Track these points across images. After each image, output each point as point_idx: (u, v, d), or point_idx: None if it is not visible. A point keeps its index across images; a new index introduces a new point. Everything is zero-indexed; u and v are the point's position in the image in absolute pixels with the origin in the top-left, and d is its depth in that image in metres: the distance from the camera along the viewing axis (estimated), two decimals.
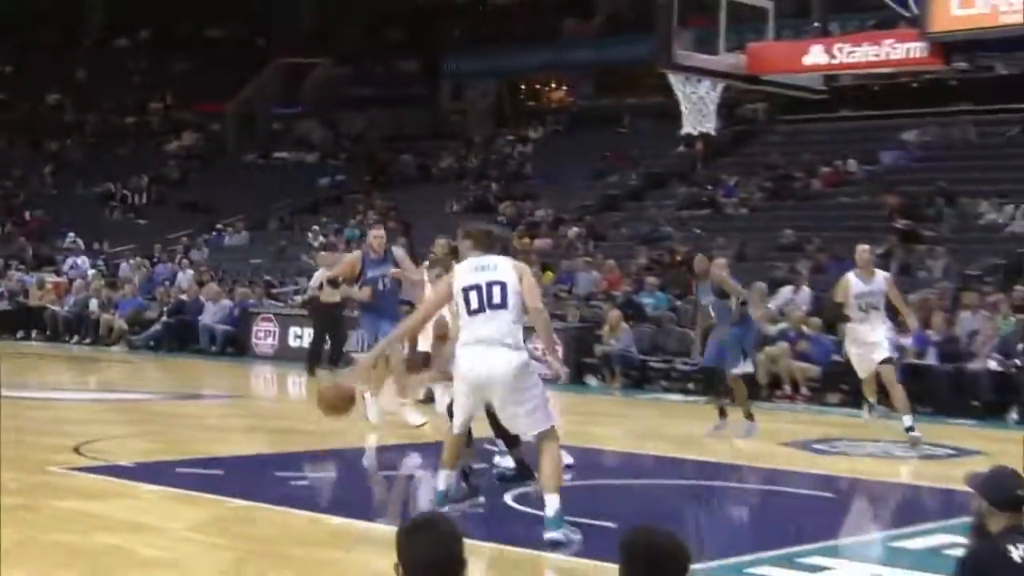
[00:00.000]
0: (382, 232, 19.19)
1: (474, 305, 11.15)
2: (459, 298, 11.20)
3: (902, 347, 23.37)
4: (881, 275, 17.87)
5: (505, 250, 11.72)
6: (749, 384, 18.50)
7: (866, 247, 18.20)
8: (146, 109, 56.82)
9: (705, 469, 16.00)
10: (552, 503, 10.95)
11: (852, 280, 17.51)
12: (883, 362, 17.40)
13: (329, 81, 56.22)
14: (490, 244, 11.63)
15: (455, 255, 12.60)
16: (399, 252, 18.78)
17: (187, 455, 13.05)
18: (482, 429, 12.36)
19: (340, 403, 11.90)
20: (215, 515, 11.76)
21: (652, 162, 43.12)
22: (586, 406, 17.23)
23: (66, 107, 57.57)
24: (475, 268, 11.32)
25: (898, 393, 17.40)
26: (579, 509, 12.65)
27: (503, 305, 11.13)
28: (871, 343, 17.49)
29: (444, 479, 11.49)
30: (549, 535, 10.84)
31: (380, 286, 17.95)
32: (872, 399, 18.98)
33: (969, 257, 29.41)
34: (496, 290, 11.14)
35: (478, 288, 11.16)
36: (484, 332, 11.16)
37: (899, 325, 18.94)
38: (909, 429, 17.20)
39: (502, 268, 11.30)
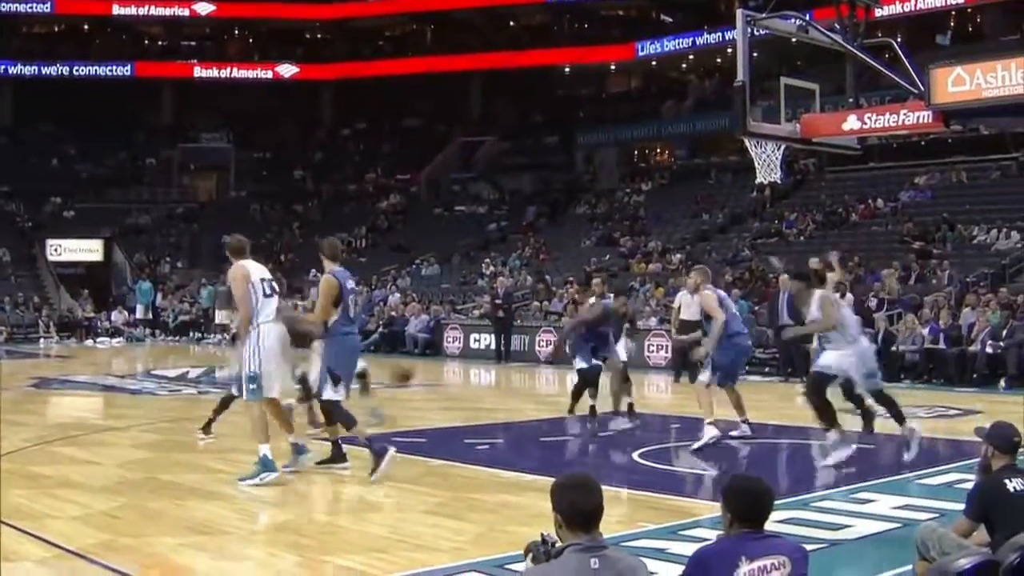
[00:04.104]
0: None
1: (268, 291, 11.43)
2: (258, 286, 11.42)
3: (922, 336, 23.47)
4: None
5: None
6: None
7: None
8: (363, 179, 57.36)
9: (780, 430, 15.83)
10: (263, 449, 11.27)
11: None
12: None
13: (494, 153, 56.42)
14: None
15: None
16: None
17: (400, 428, 13.15)
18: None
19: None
20: (422, 471, 11.84)
21: (733, 204, 42.81)
22: (690, 385, 17.09)
23: (307, 180, 58.28)
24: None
25: None
26: (688, 463, 12.59)
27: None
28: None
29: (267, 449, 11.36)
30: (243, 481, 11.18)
31: None
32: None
33: (966, 268, 29.39)
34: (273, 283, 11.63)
35: (267, 280, 11.53)
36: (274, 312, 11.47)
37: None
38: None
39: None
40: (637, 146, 54.81)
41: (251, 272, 11.42)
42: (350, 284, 11.69)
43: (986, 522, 6.81)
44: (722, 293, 15.04)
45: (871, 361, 12.72)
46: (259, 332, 11.24)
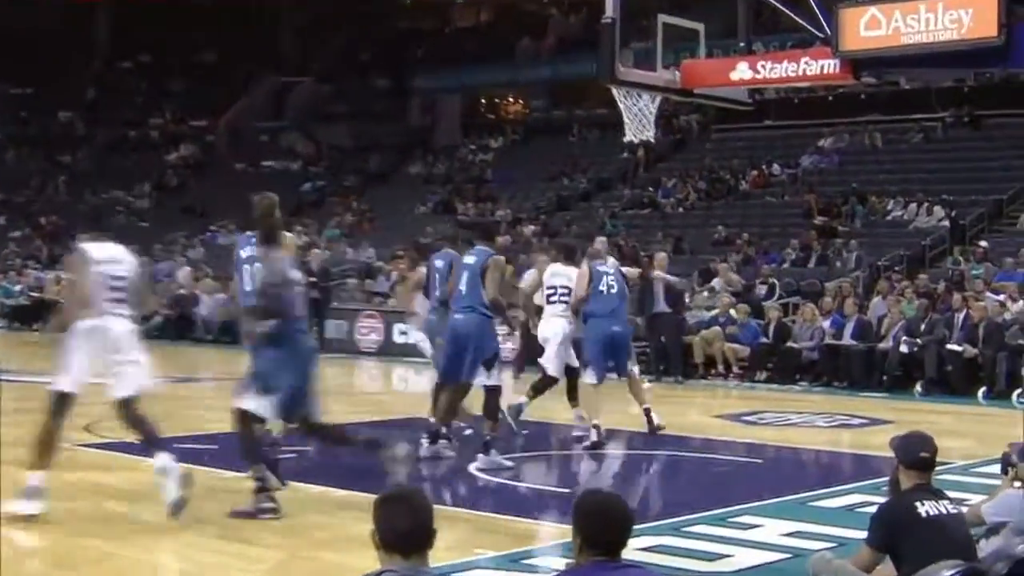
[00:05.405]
0: None
1: None
2: None
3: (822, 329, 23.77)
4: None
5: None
6: None
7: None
8: (147, 124, 56.71)
9: (648, 439, 15.95)
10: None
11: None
12: None
13: (311, 98, 56.08)
14: None
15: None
16: None
17: (185, 432, 12.96)
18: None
19: None
20: (209, 485, 11.69)
21: (599, 167, 43.16)
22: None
23: (76, 123, 57.41)
24: None
25: None
26: (537, 478, 12.62)
27: None
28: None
29: None
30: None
31: None
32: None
33: (878, 249, 29.94)
34: None
35: None
36: None
37: None
38: None
39: None
40: (485, 93, 54.98)
41: None
42: (243, 252, 11.42)
43: (892, 552, 6.87)
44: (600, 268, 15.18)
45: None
46: None
